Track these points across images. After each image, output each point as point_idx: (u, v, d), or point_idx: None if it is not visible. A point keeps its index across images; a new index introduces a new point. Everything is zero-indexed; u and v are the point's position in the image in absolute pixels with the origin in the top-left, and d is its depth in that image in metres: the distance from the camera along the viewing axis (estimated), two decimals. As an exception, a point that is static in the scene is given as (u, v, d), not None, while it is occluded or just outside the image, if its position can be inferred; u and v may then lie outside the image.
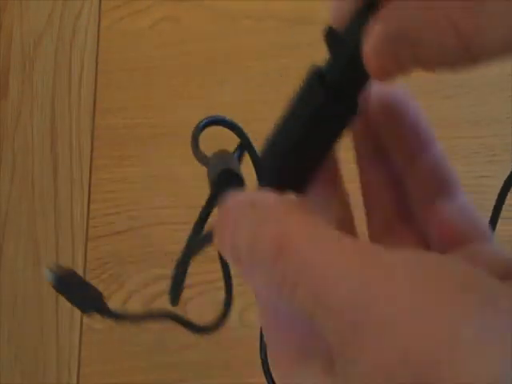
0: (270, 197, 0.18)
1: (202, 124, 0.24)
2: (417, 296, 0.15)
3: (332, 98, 0.18)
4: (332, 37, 0.19)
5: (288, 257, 0.16)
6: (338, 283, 0.16)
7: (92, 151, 0.67)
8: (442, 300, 0.15)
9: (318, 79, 0.18)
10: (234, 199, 0.18)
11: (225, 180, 0.21)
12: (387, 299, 0.15)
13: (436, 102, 0.64)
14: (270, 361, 0.20)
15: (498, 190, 0.63)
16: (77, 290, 0.28)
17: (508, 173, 0.63)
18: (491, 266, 0.16)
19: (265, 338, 0.20)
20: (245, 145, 0.24)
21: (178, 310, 0.68)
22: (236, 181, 0.21)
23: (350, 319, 0.15)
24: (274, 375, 0.20)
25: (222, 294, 0.69)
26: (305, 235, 0.16)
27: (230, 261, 0.18)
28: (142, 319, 0.28)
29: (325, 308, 0.16)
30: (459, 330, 0.15)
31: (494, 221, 0.47)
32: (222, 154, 0.23)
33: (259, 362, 0.60)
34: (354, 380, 0.16)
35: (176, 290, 0.24)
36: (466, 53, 0.16)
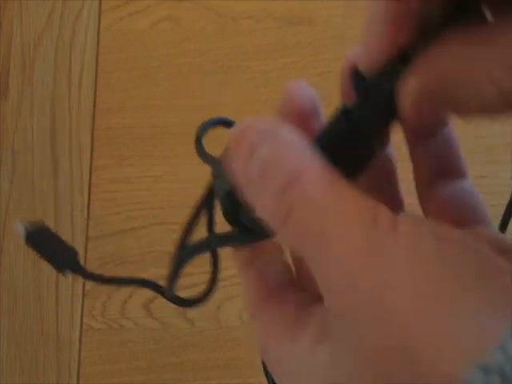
0: (293, 135, 0.18)
1: (206, 124, 0.24)
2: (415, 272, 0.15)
3: (356, 132, 0.18)
4: (358, 77, 0.19)
5: (297, 192, 0.16)
6: (338, 239, 0.16)
7: (92, 151, 0.67)
8: (440, 280, 0.15)
9: (343, 115, 0.19)
10: (252, 125, 0.18)
11: (233, 200, 0.21)
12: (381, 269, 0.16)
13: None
14: (257, 339, 0.20)
15: (497, 190, 0.63)
16: (51, 247, 0.27)
17: (508, 173, 0.63)
18: (490, 245, 0.17)
19: (252, 316, 0.21)
20: None
21: (177, 309, 0.68)
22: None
23: (345, 272, 0.16)
24: (263, 356, 0.20)
25: (222, 294, 0.69)
26: (320, 180, 0.17)
27: (240, 182, 0.18)
28: (120, 283, 0.28)
29: (322, 255, 0.16)
30: (457, 307, 0.15)
31: (505, 219, 0.47)
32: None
33: (259, 361, 0.60)
34: (349, 338, 0.16)
35: (172, 285, 0.24)
36: (506, 108, 0.16)
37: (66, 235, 0.64)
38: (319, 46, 0.66)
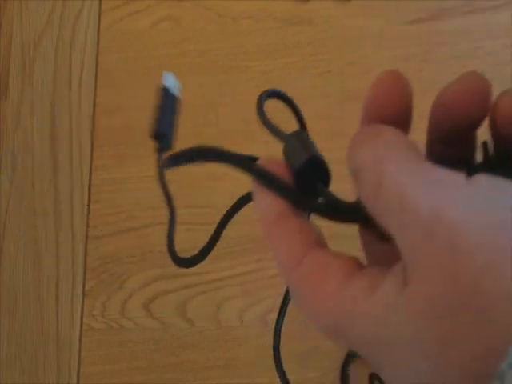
0: (390, 133, 0.21)
1: (267, 93, 0.26)
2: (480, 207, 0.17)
3: None
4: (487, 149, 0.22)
5: (385, 166, 0.19)
6: (417, 192, 0.18)
7: (92, 151, 0.67)
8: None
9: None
10: (364, 129, 0.21)
11: (311, 167, 0.22)
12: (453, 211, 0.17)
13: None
14: (305, 289, 0.20)
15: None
16: None
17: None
18: None
19: (296, 264, 0.20)
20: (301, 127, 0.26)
21: (177, 310, 0.68)
22: (322, 169, 0.23)
23: (423, 221, 0.17)
24: (310, 305, 0.20)
25: (222, 294, 0.69)
26: (401, 161, 0.19)
27: (348, 167, 0.21)
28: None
29: (404, 208, 0.18)
30: None
31: None
32: (303, 136, 0.24)
33: (259, 361, 0.61)
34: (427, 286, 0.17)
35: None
36: None
37: (65, 235, 0.64)
38: (319, 45, 0.66)
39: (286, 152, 0.24)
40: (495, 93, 0.21)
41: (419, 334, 0.17)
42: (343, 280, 0.19)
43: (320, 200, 0.22)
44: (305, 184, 0.22)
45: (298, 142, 0.23)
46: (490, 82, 0.21)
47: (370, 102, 0.22)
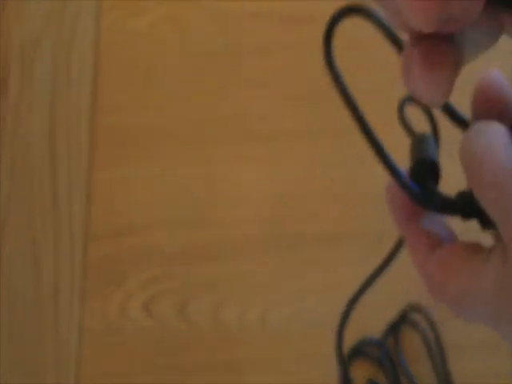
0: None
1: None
2: None
3: None
4: None
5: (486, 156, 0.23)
6: None
7: (92, 151, 0.67)
8: None
9: None
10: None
11: (422, 168, 0.26)
12: None
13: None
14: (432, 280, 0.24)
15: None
16: None
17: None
18: None
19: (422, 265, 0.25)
20: None
21: (177, 311, 0.68)
22: (432, 170, 0.26)
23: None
24: (439, 297, 0.25)
25: (222, 294, 0.68)
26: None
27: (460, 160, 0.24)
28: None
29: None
30: None
31: None
32: (427, 139, 0.28)
33: (259, 361, 0.61)
34: None
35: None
36: None
37: (65, 235, 0.64)
38: (320, 45, 0.66)
39: (411, 149, 0.28)
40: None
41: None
42: (463, 268, 0.23)
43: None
44: (418, 181, 0.26)
45: (421, 144, 0.27)
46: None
47: (479, 102, 0.26)
